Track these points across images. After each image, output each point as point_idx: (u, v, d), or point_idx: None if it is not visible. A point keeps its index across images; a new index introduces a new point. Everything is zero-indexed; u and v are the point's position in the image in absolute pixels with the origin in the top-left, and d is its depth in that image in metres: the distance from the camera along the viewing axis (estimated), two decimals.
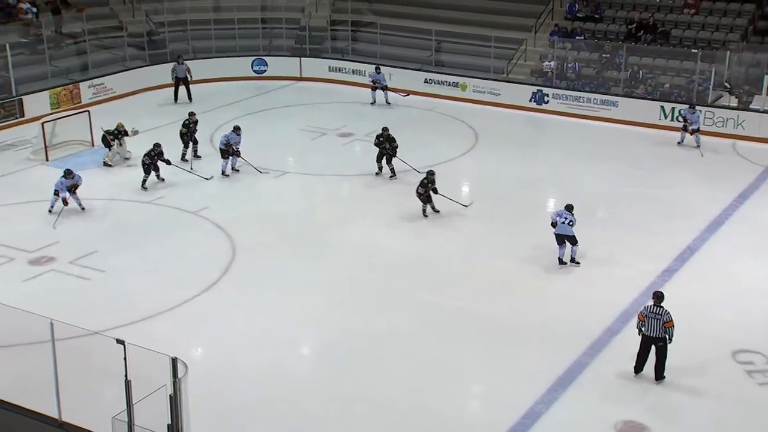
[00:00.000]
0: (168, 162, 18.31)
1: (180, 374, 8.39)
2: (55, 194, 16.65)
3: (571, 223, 14.68)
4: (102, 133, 19.72)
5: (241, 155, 18.93)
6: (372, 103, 24.68)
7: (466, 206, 17.13)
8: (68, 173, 16.67)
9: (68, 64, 25.19)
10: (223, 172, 18.86)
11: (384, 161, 18.74)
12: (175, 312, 13.25)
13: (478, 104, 25.00)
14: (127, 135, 19.71)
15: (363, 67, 26.64)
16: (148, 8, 27.90)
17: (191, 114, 20.10)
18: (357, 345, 12.50)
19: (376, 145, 18.79)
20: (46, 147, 19.75)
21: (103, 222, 16.80)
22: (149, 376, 8.57)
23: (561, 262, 14.81)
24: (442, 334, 12.86)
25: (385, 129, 18.81)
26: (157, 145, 18.25)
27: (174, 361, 8.31)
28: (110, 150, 19.50)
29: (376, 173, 18.84)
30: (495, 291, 14.16)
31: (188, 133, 19.86)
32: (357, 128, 22.52)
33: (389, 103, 24.62)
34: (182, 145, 19.76)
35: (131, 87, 25.40)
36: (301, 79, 27.48)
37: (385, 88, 24.62)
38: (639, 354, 11.59)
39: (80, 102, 23.78)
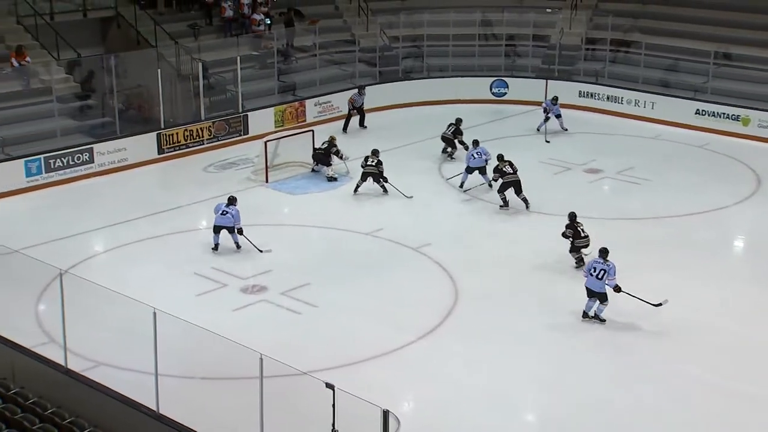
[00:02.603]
0: (384, 179, 19.72)
1: (392, 429, 8.67)
2: (221, 231, 17.14)
3: (600, 275, 14.12)
4: (314, 152, 21.47)
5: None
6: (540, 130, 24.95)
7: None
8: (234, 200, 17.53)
9: (296, 80, 27.10)
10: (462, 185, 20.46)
11: (512, 191, 19.17)
12: (387, 358, 13.71)
13: (764, 142, 23.99)
14: (338, 154, 21.17)
15: (620, 93, 26.40)
16: (383, 21, 29.38)
17: (458, 121, 22.58)
18: (593, 421, 12.17)
19: (498, 173, 19.32)
20: (266, 167, 21.35)
21: (318, 252, 17.78)
22: (357, 426, 8.92)
23: (585, 315, 14.64)
24: (710, 421, 12.15)
25: (500, 156, 19.43)
26: (375, 153, 19.57)
27: (386, 414, 8.60)
28: (329, 166, 21.08)
29: (502, 206, 19.39)
30: None
31: (452, 139, 22.41)
32: (607, 164, 22.21)
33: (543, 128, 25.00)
34: (444, 145, 22.60)
35: None
36: None
37: (547, 119, 24.63)
38: None
39: (304, 120, 25.51)
